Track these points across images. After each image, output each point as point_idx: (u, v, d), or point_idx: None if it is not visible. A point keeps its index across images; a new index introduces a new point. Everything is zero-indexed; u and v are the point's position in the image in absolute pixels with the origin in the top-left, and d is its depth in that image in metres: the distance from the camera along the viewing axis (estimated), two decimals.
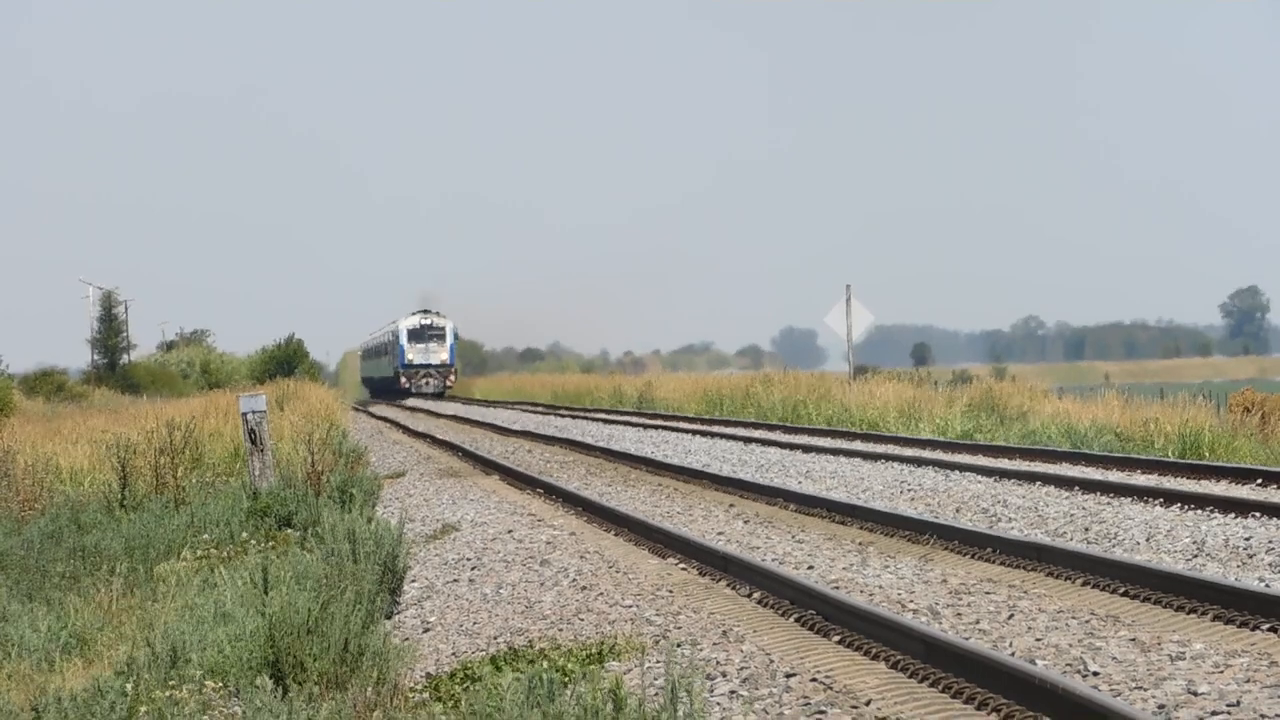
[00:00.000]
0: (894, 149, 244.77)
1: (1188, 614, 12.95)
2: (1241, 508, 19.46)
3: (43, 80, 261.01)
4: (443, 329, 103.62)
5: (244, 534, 20.21)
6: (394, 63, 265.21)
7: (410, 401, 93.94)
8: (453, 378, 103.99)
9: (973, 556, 16.83)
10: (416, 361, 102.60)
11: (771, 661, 11.81)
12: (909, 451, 32.09)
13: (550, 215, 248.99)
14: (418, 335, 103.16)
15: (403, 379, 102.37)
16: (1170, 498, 20.83)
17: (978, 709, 10.21)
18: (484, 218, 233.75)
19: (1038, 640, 12.14)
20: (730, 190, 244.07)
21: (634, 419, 55.11)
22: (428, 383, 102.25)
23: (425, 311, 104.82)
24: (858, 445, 35.13)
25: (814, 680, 11.12)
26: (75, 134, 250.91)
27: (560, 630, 13.79)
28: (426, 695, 11.45)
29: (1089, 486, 22.76)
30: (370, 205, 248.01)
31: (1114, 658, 11.39)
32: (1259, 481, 23.23)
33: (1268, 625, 12.19)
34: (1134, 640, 11.96)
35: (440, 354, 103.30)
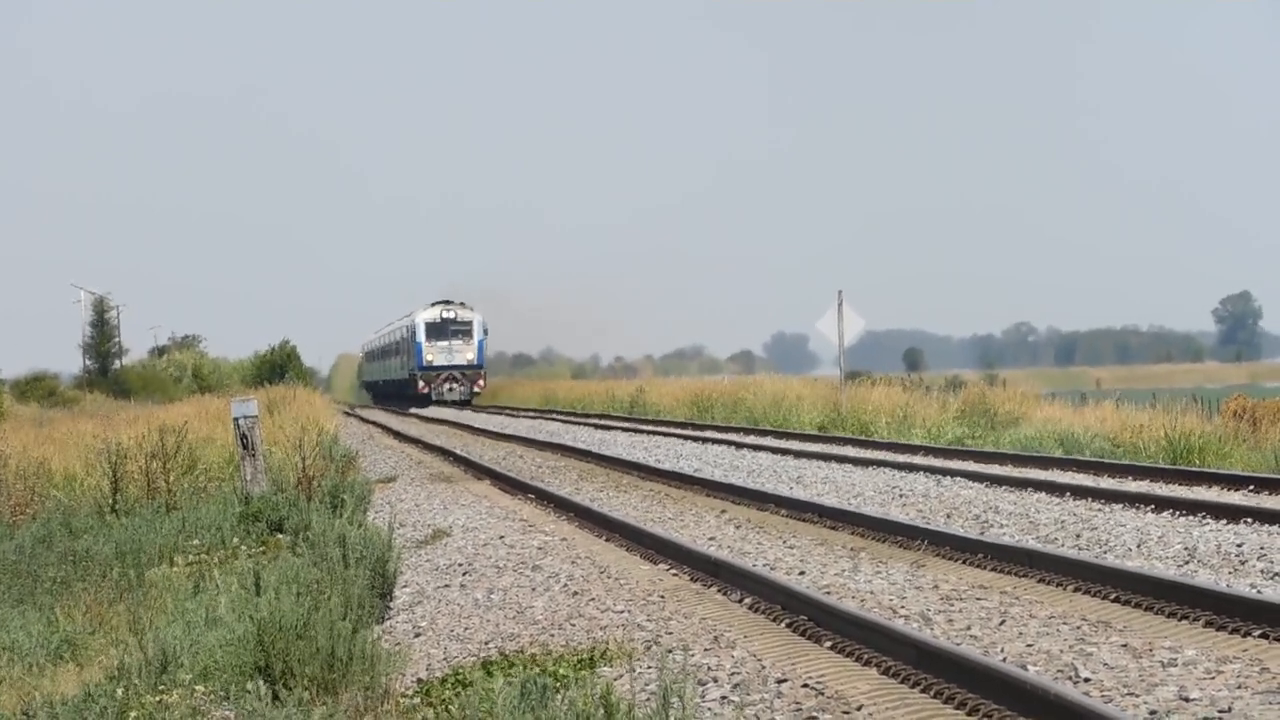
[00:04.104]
0: (894, 149, 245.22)
1: (1179, 620, 12.96)
2: (1233, 514, 19.47)
3: (42, 80, 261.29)
4: (469, 323, 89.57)
5: (235, 539, 20.19)
6: (394, 63, 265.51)
7: (407, 408, 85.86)
8: (481, 382, 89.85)
9: (964, 562, 16.83)
10: (437, 363, 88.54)
11: (763, 667, 11.81)
12: (900, 457, 32.08)
13: (550, 215, 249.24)
14: (438, 331, 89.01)
15: (420, 383, 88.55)
16: (1162, 504, 20.84)
17: (969, 715, 10.21)
18: (484, 218, 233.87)
19: (1029, 646, 12.14)
20: (730, 190, 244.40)
21: (626, 424, 55.10)
22: (451, 388, 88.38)
23: (447, 303, 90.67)
24: (849, 451, 35.14)
25: (805, 686, 11.12)
26: (72, 134, 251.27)
27: (552, 635, 13.79)
28: (418, 700, 11.45)
29: (1080, 492, 22.77)
30: (370, 205, 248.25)
31: (1105, 664, 11.39)
32: (1251, 488, 23.24)
33: (1259, 631, 12.20)
34: (1126, 646, 11.97)
35: (466, 353, 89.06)
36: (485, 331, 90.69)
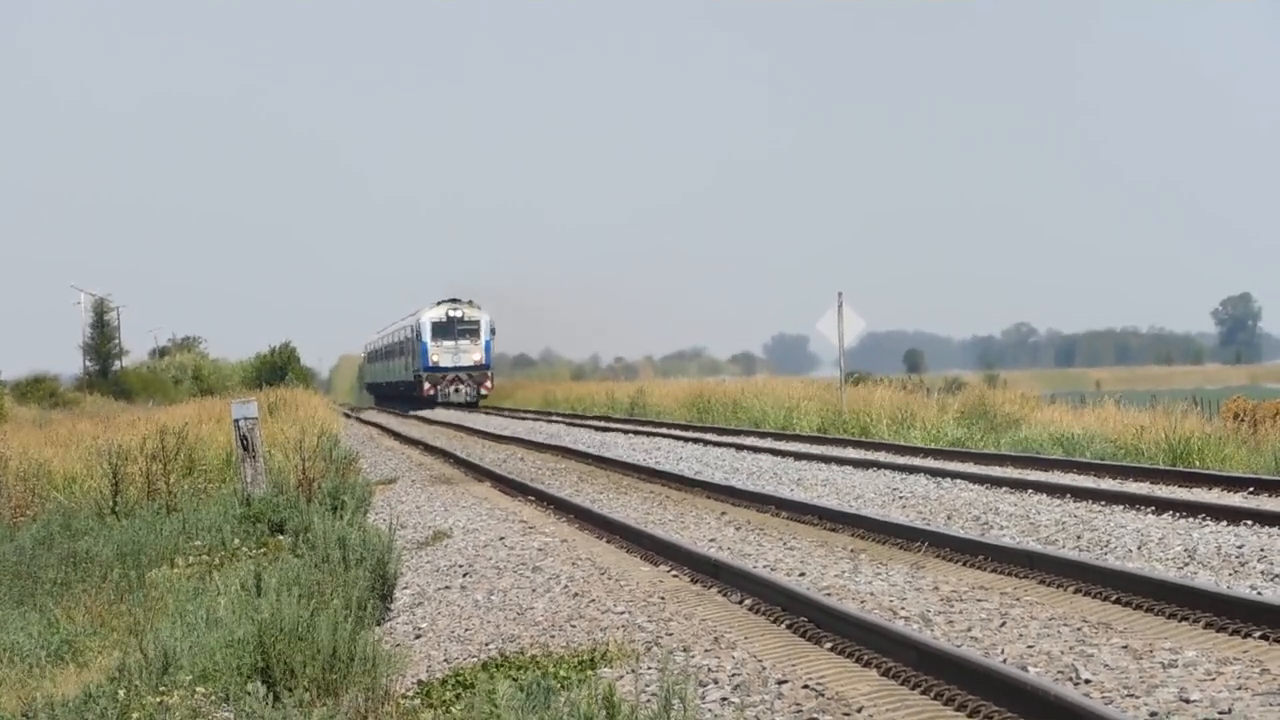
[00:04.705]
0: (894, 149, 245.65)
1: (1180, 621, 12.96)
2: (1233, 515, 19.47)
3: (41, 80, 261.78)
4: (476, 323, 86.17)
5: (235, 540, 20.20)
6: (394, 63, 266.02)
7: (411, 410, 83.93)
8: (489, 384, 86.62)
9: (964, 564, 16.83)
10: (443, 364, 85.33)
11: (763, 668, 11.81)
12: (901, 459, 32.08)
13: (551, 215, 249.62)
14: (444, 330, 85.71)
15: (425, 385, 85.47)
16: (1162, 505, 20.84)
17: (970, 716, 10.22)
18: (484, 217, 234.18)
19: (1029, 647, 12.14)
20: (730, 190, 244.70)
21: (626, 426, 55.08)
22: (457, 389, 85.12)
23: (454, 301, 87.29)
24: (849, 452, 35.13)
25: (806, 687, 11.12)
26: (71, 135, 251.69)
27: (552, 637, 13.79)
28: (418, 702, 11.45)
29: (1081, 494, 22.77)
30: (370, 206, 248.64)
31: (1106, 665, 11.40)
32: (1251, 489, 23.24)
33: (1259, 633, 12.20)
34: (1126, 647, 11.97)
35: (473, 354, 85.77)
36: (493, 331, 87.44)
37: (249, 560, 18.31)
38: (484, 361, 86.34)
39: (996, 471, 27.77)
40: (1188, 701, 10.20)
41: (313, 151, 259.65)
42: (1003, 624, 13.21)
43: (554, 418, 68.99)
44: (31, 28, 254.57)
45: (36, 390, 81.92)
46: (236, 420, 24.11)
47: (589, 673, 11.85)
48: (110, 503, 24.51)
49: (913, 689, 10.97)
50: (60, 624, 15.91)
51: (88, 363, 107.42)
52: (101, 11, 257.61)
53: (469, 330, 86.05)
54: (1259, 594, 13.93)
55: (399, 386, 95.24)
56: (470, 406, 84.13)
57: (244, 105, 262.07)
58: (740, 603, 14.85)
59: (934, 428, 40.58)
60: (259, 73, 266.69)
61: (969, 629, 13.06)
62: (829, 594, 14.83)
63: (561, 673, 11.85)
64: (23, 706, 11.75)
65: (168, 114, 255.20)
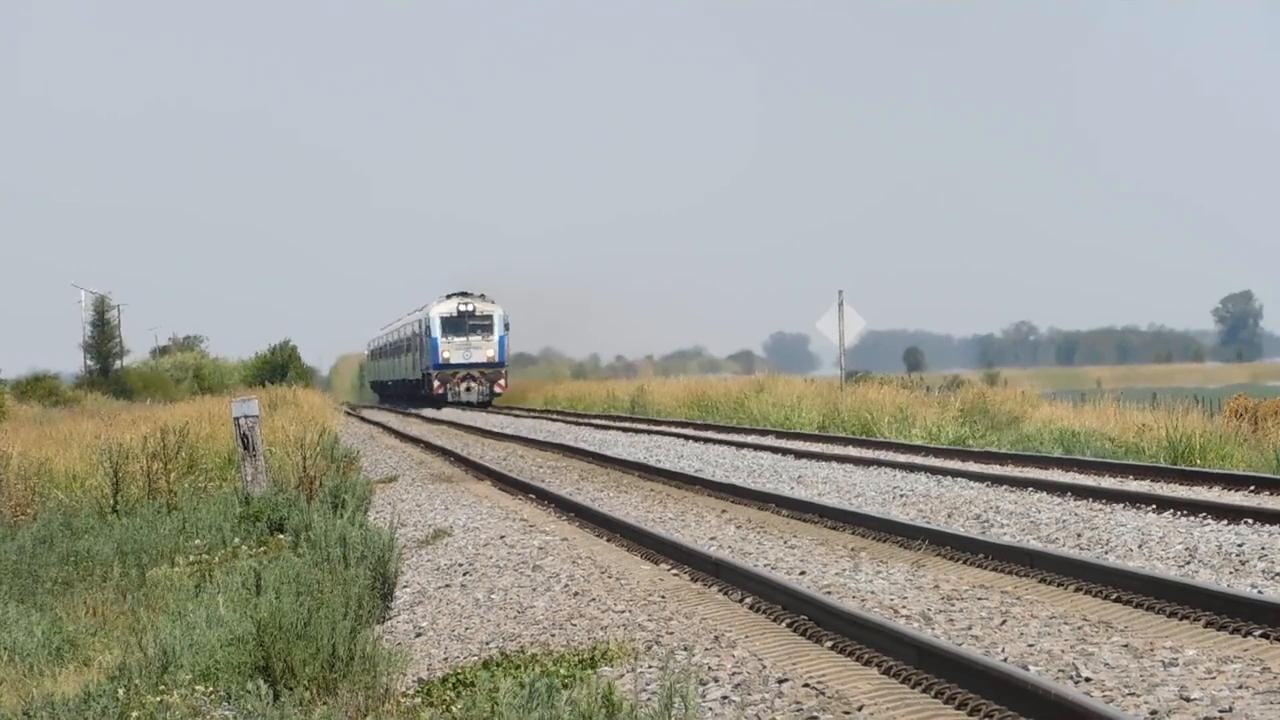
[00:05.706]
0: (895, 149, 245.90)
1: (1180, 620, 12.96)
2: (1234, 514, 19.45)
3: (42, 84, 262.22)
4: (489, 317, 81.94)
5: (236, 539, 20.19)
6: (396, 68, 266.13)
7: (417, 409, 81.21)
8: (503, 382, 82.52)
9: (965, 562, 16.83)
10: (454, 360, 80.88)
11: (764, 667, 11.81)
12: (901, 457, 32.07)
13: (552, 216, 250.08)
14: (455, 325, 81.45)
15: (435, 383, 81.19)
16: (1163, 504, 20.83)
17: (970, 715, 10.22)
18: (484, 217, 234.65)
19: (1030, 646, 12.14)
20: (730, 192, 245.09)
21: (626, 424, 55.08)
22: (469, 388, 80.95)
23: (464, 295, 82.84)
24: (850, 451, 35.12)
25: (806, 686, 11.12)
26: (72, 138, 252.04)
27: (553, 636, 13.79)
28: (419, 700, 11.45)
29: (1081, 492, 22.76)
30: (370, 208, 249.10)
31: (1106, 663, 11.40)
32: (1251, 488, 23.22)
33: (1260, 632, 12.21)
34: (1126, 646, 11.97)
35: (486, 350, 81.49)
36: (507, 326, 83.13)
37: (249, 559, 18.31)
38: (498, 359, 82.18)
39: (997, 470, 27.77)
40: (1188, 700, 10.20)
41: (313, 154, 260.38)
42: (1003, 622, 13.21)
43: (554, 416, 68.97)
44: (34, 30, 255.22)
45: (37, 389, 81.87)
46: (237, 418, 24.09)
47: (589, 671, 11.85)
48: (111, 501, 24.51)
49: (913, 687, 10.97)
50: (63, 623, 15.92)
51: (88, 361, 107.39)
52: (105, 15, 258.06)
53: (481, 325, 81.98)
54: (1260, 593, 13.93)
55: (406, 385, 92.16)
56: (482, 406, 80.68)
57: (244, 109, 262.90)
58: (741, 601, 14.85)
59: (934, 426, 40.57)
60: (260, 77, 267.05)
61: (969, 627, 13.06)
62: (829, 592, 14.83)
63: (562, 671, 11.85)
64: (23, 705, 11.75)
65: (169, 117, 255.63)
